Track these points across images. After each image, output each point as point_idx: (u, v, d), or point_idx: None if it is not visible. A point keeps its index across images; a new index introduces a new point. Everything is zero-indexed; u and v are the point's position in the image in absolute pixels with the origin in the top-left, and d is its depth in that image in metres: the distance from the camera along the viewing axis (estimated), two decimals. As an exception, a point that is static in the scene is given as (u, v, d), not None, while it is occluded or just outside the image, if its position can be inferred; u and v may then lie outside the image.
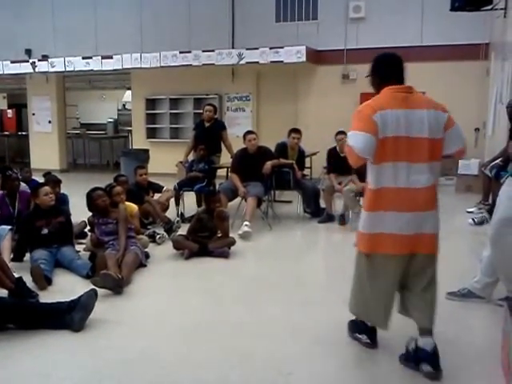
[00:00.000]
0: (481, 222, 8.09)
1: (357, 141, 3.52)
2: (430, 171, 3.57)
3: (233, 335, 4.48)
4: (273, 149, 9.12)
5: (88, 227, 7.28)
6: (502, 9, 9.42)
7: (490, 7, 9.42)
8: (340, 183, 8.74)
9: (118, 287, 5.43)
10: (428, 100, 3.70)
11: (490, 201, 8.46)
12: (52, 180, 7.64)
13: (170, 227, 7.76)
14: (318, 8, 13.48)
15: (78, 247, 6.77)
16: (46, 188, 6.61)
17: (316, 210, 9.13)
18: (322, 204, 9.07)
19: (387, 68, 3.77)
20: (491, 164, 7.60)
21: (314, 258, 7.46)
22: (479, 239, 7.06)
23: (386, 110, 3.52)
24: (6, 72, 15.46)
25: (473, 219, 8.30)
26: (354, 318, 4.19)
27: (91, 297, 4.68)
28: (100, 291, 5.01)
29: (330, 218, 8.83)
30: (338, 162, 8.84)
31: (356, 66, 12.82)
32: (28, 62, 15.15)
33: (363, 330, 4.08)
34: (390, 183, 3.56)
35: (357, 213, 8.19)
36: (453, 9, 9.52)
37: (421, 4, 12.46)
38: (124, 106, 19.62)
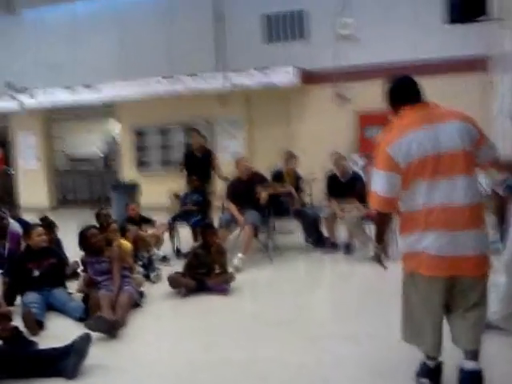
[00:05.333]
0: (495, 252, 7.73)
1: (380, 185, 3.55)
2: (467, 186, 3.45)
3: (235, 378, 4.31)
4: (268, 175, 8.87)
5: (80, 267, 7.00)
6: (498, 19, 9.20)
7: (485, 18, 9.09)
8: (342, 209, 8.41)
9: (112, 330, 5.29)
10: (455, 112, 3.63)
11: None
12: (48, 224, 7.44)
13: (149, 263, 7.55)
14: (306, 26, 13.24)
15: (71, 289, 6.49)
16: (39, 229, 6.50)
17: (318, 239, 8.76)
18: (325, 232, 8.73)
19: (401, 91, 3.77)
20: (503, 180, 7.34)
21: (319, 291, 7.07)
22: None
23: (408, 134, 3.49)
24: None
25: None
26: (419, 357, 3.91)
27: (85, 341, 4.55)
28: (94, 335, 4.88)
29: (333, 248, 8.52)
30: (338, 188, 8.64)
31: (350, 85, 12.54)
32: (9, 95, 14.86)
33: (425, 373, 3.82)
34: (421, 204, 3.49)
35: (363, 240, 8.03)
36: (449, 21, 9.16)
37: (412, 17, 12.14)
38: (113, 138, 19.38)
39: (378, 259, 3.95)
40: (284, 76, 12.18)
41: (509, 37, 8.62)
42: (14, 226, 7.63)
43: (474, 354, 3.54)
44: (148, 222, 8.57)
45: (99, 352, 4.73)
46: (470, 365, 3.50)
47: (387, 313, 5.28)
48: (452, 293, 3.58)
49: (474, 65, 11.34)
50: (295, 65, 12.22)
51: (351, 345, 4.83)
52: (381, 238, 3.87)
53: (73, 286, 6.66)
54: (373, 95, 11.73)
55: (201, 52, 13.79)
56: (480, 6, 8.59)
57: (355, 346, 4.80)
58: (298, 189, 8.96)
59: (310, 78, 12.92)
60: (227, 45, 13.63)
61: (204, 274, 6.70)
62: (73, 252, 7.18)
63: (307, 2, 13.05)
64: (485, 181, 7.53)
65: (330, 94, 12.81)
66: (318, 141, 12.58)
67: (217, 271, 6.82)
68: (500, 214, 8.29)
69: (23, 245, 6.81)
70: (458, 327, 3.62)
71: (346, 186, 8.57)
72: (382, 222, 3.81)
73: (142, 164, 15.07)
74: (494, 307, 4.52)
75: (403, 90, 3.75)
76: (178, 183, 9.99)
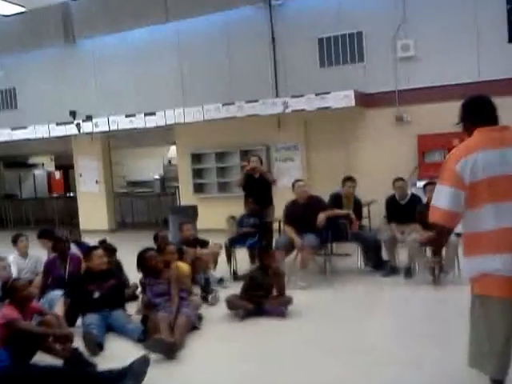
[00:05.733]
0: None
1: (443, 199, 3.52)
2: None
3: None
4: (326, 199, 8.76)
5: (139, 289, 7.06)
6: None
7: None
8: (402, 233, 8.27)
9: (170, 352, 5.29)
10: None
11: None
12: (108, 249, 7.48)
13: (206, 285, 7.57)
14: (364, 49, 13.10)
15: (130, 310, 6.54)
16: (99, 251, 6.60)
17: (378, 263, 8.57)
18: (384, 256, 8.56)
19: (475, 111, 3.71)
20: None
21: (379, 315, 6.85)
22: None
23: (477, 153, 3.47)
24: (52, 134, 15.59)
25: None
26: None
27: (143, 363, 4.59)
28: (152, 356, 4.89)
29: (393, 271, 8.31)
30: (398, 211, 8.58)
31: (410, 108, 12.40)
32: (73, 123, 15.28)
33: None
34: (490, 225, 3.45)
35: (424, 264, 7.83)
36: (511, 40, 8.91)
37: (475, 37, 11.84)
38: (170, 161, 19.69)
39: (432, 271, 3.81)
40: (342, 100, 12.02)
41: None
42: (74, 248, 7.80)
43: None
44: (203, 243, 8.56)
45: (157, 373, 4.73)
46: None
47: (449, 338, 5.21)
48: None
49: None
50: (352, 88, 12.09)
51: (414, 370, 4.71)
52: (437, 251, 3.77)
53: (132, 308, 6.72)
54: (433, 118, 11.82)
55: (259, 78, 13.94)
56: None
57: (418, 372, 4.68)
58: (356, 212, 8.78)
59: (367, 101, 12.77)
60: (284, 70, 13.74)
61: (261, 297, 6.63)
62: (132, 274, 7.27)
63: (364, 24, 12.95)
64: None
65: (389, 117, 12.70)
66: (377, 164, 12.46)
67: (274, 294, 6.74)
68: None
69: (83, 267, 6.91)
70: None
71: (405, 209, 8.47)
72: (441, 236, 3.74)
73: (199, 187, 15.16)
74: None
75: (477, 110, 3.71)
76: (235, 206, 10.02)
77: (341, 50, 13.32)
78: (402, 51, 12.54)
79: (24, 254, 7.84)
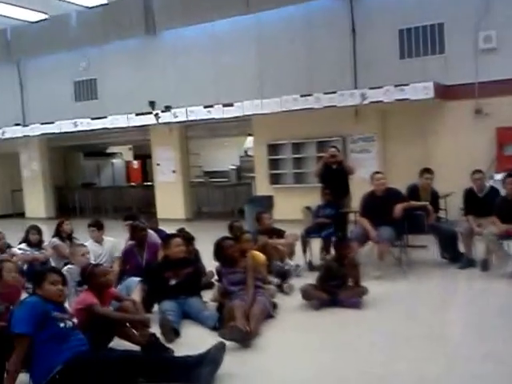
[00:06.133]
0: None
1: None
2: None
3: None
4: (402, 191, 8.61)
5: (215, 277, 7.13)
6: None
7: None
8: (479, 225, 8.10)
9: (245, 340, 5.31)
10: None
11: None
12: (186, 237, 7.52)
13: (283, 274, 7.53)
14: (445, 41, 12.82)
15: (206, 298, 6.61)
16: (178, 239, 6.65)
17: (454, 255, 8.48)
18: (461, 248, 8.43)
19: None
20: None
21: (454, 307, 6.80)
22: None
23: None
24: (131, 124, 15.99)
25: None
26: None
27: (220, 351, 4.58)
28: (228, 344, 4.87)
29: (470, 264, 8.17)
30: (475, 203, 8.42)
31: (489, 100, 12.09)
32: (152, 113, 15.56)
33: None
34: None
35: (501, 257, 7.68)
36: None
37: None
38: (246, 152, 19.78)
39: None
40: (420, 91, 11.82)
41: None
42: (153, 236, 7.93)
43: None
44: (278, 233, 8.55)
45: (232, 361, 4.74)
46: None
47: None
48: None
49: None
50: (432, 80, 11.86)
51: (491, 363, 4.62)
52: None
53: (208, 296, 6.79)
54: None
55: (338, 69, 13.82)
56: None
57: (495, 365, 4.58)
58: (433, 204, 8.64)
59: (446, 93, 12.51)
60: (364, 61, 13.57)
61: (336, 287, 6.59)
62: (208, 262, 7.35)
63: (446, 15, 12.66)
64: None
65: (468, 110, 12.44)
66: (455, 157, 12.23)
67: (349, 284, 6.70)
68: None
69: (161, 254, 7.03)
70: None
71: (483, 202, 8.34)
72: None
73: (275, 178, 15.19)
74: None
75: None
76: (311, 197, 9.98)
77: (421, 41, 13.08)
78: (484, 43, 12.22)
79: (99, 241, 7.99)
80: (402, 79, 12.18)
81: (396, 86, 12.04)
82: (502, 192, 8.28)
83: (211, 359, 4.47)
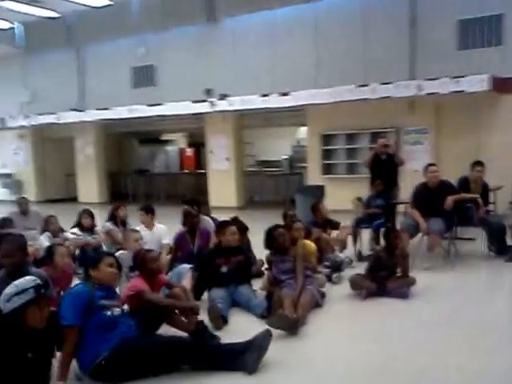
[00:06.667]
0: None
1: None
2: None
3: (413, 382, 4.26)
4: (453, 183, 8.55)
5: (265, 265, 7.21)
6: None
7: None
8: None
9: (293, 328, 5.34)
10: None
11: None
12: (240, 227, 7.49)
13: (337, 266, 7.54)
14: (504, 33, 12.62)
15: (255, 286, 6.69)
16: (233, 228, 6.69)
17: (502, 248, 8.41)
18: (509, 241, 8.39)
19: None
20: None
21: (500, 301, 6.77)
22: None
23: None
24: (186, 112, 16.14)
25: None
26: None
27: (265, 338, 4.62)
28: (274, 332, 4.91)
29: None
30: None
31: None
32: (207, 101, 15.67)
33: None
34: None
35: None
36: None
37: None
38: (298, 142, 19.78)
39: None
40: (476, 84, 11.65)
41: None
42: (205, 223, 8.00)
43: None
44: (333, 224, 8.58)
45: (279, 348, 4.80)
46: None
47: None
48: None
49: None
50: (489, 72, 11.67)
51: None
52: None
53: (257, 284, 6.85)
54: None
55: (395, 59, 13.73)
56: None
57: None
58: (483, 197, 8.59)
59: (503, 85, 12.28)
60: (421, 52, 13.44)
61: (385, 277, 6.60)
62: (258, 251, 7.42)
63: (506, 6, 12.44)
64: None
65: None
66: (507, 150, 12.08)
67: (398, 275, 6.70)
68: None
69: (213, 241, 7.12)
70: None
71: None
72: None
73: (327, 168, 15.20)
74: None
75: None
76: (363, 187, 9.97)
77: (480, 32, 12.89)
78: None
79: (148, 226, 7.97)
80: (459, 71, 12.02)
81: (452, 77, 11.85)
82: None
83: (256, 346, 4.52)
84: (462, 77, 11.78)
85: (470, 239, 9.29)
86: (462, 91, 11.81)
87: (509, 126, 12.36)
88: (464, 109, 12.74)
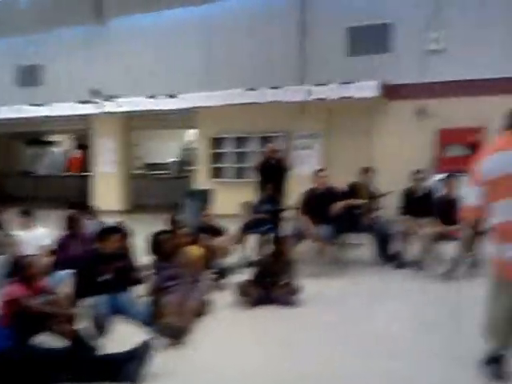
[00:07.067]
0: None
1: (467, 195, 4.28)
2: None
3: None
4: (343, 189, 8.70)
5: (150, 271, 6.94)
6: None
7: None
8: (416, 225, 8.26)
9: (178, 336, 5.21)
10: None
11: None
12: (122, 232, 7.24)
13: (224, 272, 7.47)
14: (392, 40, 12.97)
15: (139, 293, 6.42)
16: (115, 234, 6.43)
17: (390, 255, 8.57)
18: (397, 248, 8.54)
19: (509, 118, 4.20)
20: None
21: (388, 306, 6.80)
22: None
23: (496, 153, 4.07)
24: (72, 113, 15.65)
25: None
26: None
27: (149, 347, 4.48)
28: (160, 340, 4.83)
29: (405, 263, 8.31)
30: (414, 203, 8.58)
31: (433, 101, 12.31)
32: (94, 102, 15.21)
33: (492, 361, 4.25)
34: (505, 218, 3.98)
35: (435, 257, 7.88)
36: None
37: (504, 33, 11.76)
38: (187, 145, 19.62)
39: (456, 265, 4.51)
40: (365, 90, 11.94)
41: None
42: (88, 227, 7.69)
43: None
44: (218, 232, 8.39)
45: (164, 358, 4.64)
46: None
47: (459, 328, 5.39)
48: None
49: None
50: (378, 78, 12.00)
51: (425, 359, 4.79)
52: (468, 246, 4.53)
53: (141, 291, 6.58)
54: (456, 112, 11.71)
55: (285, 64, 13.81)
56: None
57: (428, 362, 4.72)
58: (372, 203, 8.79)
59: (391, 92, 12.65)
60: (310, 57, 13.58)
61: (272, 284, 6.54)
62: (143, 256, 7.17)
63: (393, 15, 12.84)
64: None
65: (412, 110, 12.61)
66: (397, 156, 12.35)
67: (284, 281, 6.64)
68: None
69: (95, 247, 6.81)
70: None
71: (421, 202, 8.49)
72: (471, 230, 4.53)
73: (216, 171, 15.11)
74: None
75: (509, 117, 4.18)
76: (252, 192, 9.93)
77: (369, 39, 13.21)
78: (430, 44, 12.44)
79: (27, 228, 7.65)
80: (348, 77, 12.28)
81: (341, 83, 12.04)
82: (442, 193, 8.39)
83: (139, 355, 4.36)
84: (351, 82, 11.98)
85: (358, 245, 9.38)
86: (351, 97, 12.04)
87: (398, 131, 12.71)
88: (354, 114, 13.01)
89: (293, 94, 12.68)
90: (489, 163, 4.03)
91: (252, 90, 13.06)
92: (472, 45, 12.02)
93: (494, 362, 4.24)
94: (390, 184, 9.91)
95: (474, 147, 11.51)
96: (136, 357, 4.34)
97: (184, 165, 18.53)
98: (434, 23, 12.26)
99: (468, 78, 11.90)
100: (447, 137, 12.21)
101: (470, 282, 7.20)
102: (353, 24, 13.29)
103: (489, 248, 4.27)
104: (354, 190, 8.76)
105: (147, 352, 4.39)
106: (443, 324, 5.73)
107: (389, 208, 10.02)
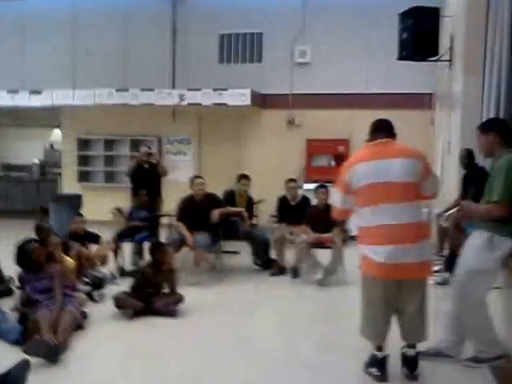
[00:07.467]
0: (443, 282, 7.58)
1: (334, 200, 4.69)
2: (408, 210, 4.30)
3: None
4: (217, 195, 8.59)
5: (16, 284, 6.46)
6: (447, 60, 9.38)
7: (435, 58, 9.32)
8: (291, 233, 8.42)
9: (53, 355, 4.85)
10: (407, 149, 4.47)
11: (445, 252, 8.14)
12: None
13: (99, 283, 7.12)
14: (263, 51, 13.11)
15: (5, 308, 5.93)
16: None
17: (266, 262, 8.67)
18: (273, 255, 8.64)
19: (373, 129, 4.60)
20: (446, 214, 7.52)
21: (267, 315, 6.84)
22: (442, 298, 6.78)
23: (358, 164, 4.42)
24: None
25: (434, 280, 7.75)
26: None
27: (22, 369, 4.13)
28: (33, 360, 4.45)
29: (281, 271, 8.44)
30: (288, 211, 8.74)
31: (301, 112, 12.63)
32: None
33: (374, 363, 4.48)
34: (372, 222, 4.33)
35: (310, 264, 8.04)
36: (400, 58, 9.38)
37: (368, 51, 12.27)
38: (52, 146, 18.70)
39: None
40: (238, 98, 11.99)
41: (457, 78, 8.77)
42: None
43: (413, 345, 4.47)
44: (93, 238, 8.01)
45: (38, 380, 4.32)
46: (410, 352, 4.45)
47: (333, 332, 5.76)
48: (399, 295, 4.40)
49: (420, 102, 11.57)
50: (249, 87, 12.08)
51: (299, 366, 4.86)
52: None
53: (7, 305, 6.10)
54: (322, 124, 12.17)
55: (158, 67, 13.55)
56: (432, 47, 8.95)
57: (303, 368, 4.81)
58: (249, 210, 8.79)
59: (263, 101, 12.84)
60: (183, 62, 13.43)
61: (152, 295, 6.34)
62: (8, 266, 6.67)
63: (265, 25, 12.96)
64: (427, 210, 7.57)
65: (282, 119, 12.87)
66: (267, 164, 12.53)
67: (165, 292, 6.48)
68: (440, 244, 8.33)
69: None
70: (408, 327, 4.47)
71: (295, 210, 8.66)
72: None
73: (84, 175, 14.47)
74: (443, 335, 4.82)
75: (375, 128, 4.58)
76: (123, 197, 9.62)
77: (241, 48, 13.26)
78: (299, 56, 12.80)
79: None
80: (221, 84, 12.24)
81: (215, 90, 12.03)
82: (314, 201, 8.60)
83: (13, 379, 3.99)
84: (225, 89, 11.99)
85: (235, 253, 9.46)
86: (225, 104, 12.04)
87: (269, 140, 12.87)
88: (227, 122, 13.00)
89: (165, 97, 12.45)
90: (356, 172, 4.35)
91: (123, 90, 12.66)
92: (337, 60, 12.45)
93: (376, 364, 4.45)
94: (261, 191, 10.06)
95: (338, 158, 12.00)
96: (10, 380, 3.98)
97: (48, 167, 17.61)
98: (301, 36, 12.58)
99: (331, 92, 12.32)
100: (314, 147, 12.57)
101: (344, 288, 7.51)
102: (225, 31, 13.29)
103: (359, 249, 4.46)
104: (231, 198, 8.77)
105: (23, 374, 4.06)
106: (318, 329, 5.91)
107: (263, 215, 10.16)
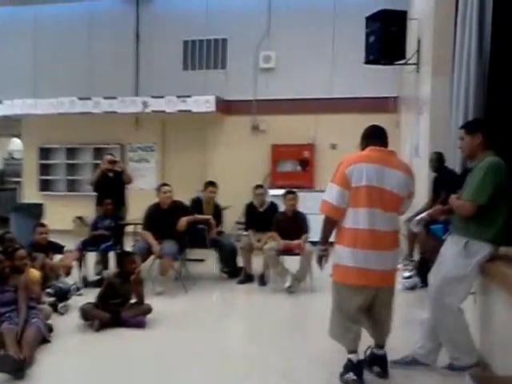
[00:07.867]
0: (412, 287, 7.63)
1: (333, 196, 4.37)
2: (392, 219, 4.44)
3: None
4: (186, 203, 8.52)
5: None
6: (414, 64, 9.43)
7: (403, 62, 9.39)
8: (259, 240, 8.36)
9: (19, 370, 4.68)
10: (403, 164, 4.64)
11: (415, 257, 8.19)
12: None
13: (63, 294, 6.94)
14: (227, 57, 13.12)
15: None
16: None
17: (234, 270, 8.62)
18: (240, 263, 8.59)
19: (369, 135, 4.62)
20: (416, 218, 7.50)
21: (235, 323, 6.85)
22: (412, 304, 6.91)
23: (362, 163, 4.36)
24: None
25: (404, 284, 7.79)
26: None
27: None
28: None
29: (249, 279, 8.40)
30: (256, 218, 8.68)
31: (266, 117, 12.68)
32: None
33: (350, 368, 4.44)
34: (358, 224, 4.32)
35: (279, 272, 7.94)
36: (367, 62, 9.42)
37: (331, 56, 12.38)
38: (11, 155, 18.39)
39: (320, 260, 4.60)
40: (203, 104, 12.03)
41: (425, 81, 8.86)
42: None
43: (383, 344, 4.65)
44: (57, 248, 7.82)
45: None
46: (381, 351, 4.64)
47: (301, 339, 5.81)
48: (376, 301, 4.52)
49: (385, 105, 11.67)
50: (213, 93, 12.10)
51: (269, 374, 4.82)
52: (325, 241, 4.52)
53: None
54: (287, 129, 12.22)
55: (120, 74, 13.45)
56: (399, 50, 9.01)
57: (274, 375, 4.79)
58: (216, 218, 8.71)
59: (227, 107, 12.84)
60: (147, 69, 13.38)
61: (119, 305, 6.21)
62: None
63: (229, 31, 12.97)
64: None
65: (246, 125, 12.89)
66: (232, 170, 12.51)
67: (133, 302, 6.35)
68: (410, 249, 8.38)
69: None
70: (380, 330, 4.64)
71: (263, 217, 8.59)
72: (329, 226, 4.49)
73: (45, 184, 14.26)
74: (419, 342, 4.80)
75: (369, 135, 4.60)
76: (85, 206, 9.47)
77: (205, 54, 13.27)
78: (263, 62, 12.85)
79: None
80: (184, 90, 12.23)
81: (178, 97, 11.96)
82: (281, 208, 8.54)
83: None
84: (189, 96, 11.95)
85: (201, 260, 9.36)
86: (189, 111, 12.03)
87: (234, 146, 12.86)
88: (191, 128, 12.94)
89: (128, 105, 12.35)
90: (358, 170, 4.31)
91: (85, 99, 12.52)
92: (301, 66, 12.51)
93: (352, 368, 4.43)
94: (228, 198, 9.99)
95: (303, 163, 12.01)
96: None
97: (8, 176, 17.31)
98: (265, 42, 12.63)
99: (296, 98, 12.40)
100: (279, 153, 12.61)
101: (313, 295, 7.54)
102: (189, 38, 13.25)
103: (336, 251, 4.44)
104: (198, 205, 8.70)
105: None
106: (287, 337, 5.89)
107: (228, 222, 10.08)
